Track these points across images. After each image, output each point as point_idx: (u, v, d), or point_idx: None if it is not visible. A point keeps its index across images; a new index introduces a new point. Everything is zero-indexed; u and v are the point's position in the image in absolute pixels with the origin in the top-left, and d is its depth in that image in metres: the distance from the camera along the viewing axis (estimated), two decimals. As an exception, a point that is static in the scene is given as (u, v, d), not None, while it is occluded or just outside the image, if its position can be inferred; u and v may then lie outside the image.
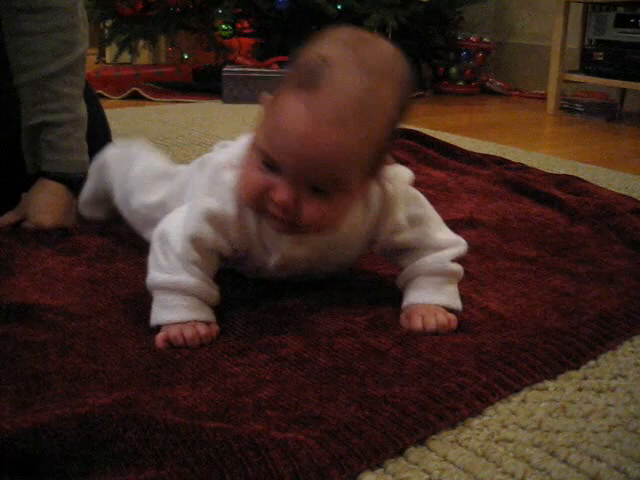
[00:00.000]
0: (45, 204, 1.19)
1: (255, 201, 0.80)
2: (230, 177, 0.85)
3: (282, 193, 0.77)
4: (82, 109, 1.23)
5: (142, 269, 0.89)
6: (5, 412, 0.67)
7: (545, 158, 1.91)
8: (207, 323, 0.83)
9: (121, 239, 1.13)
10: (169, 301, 0.82)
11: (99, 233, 1.16)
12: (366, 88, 0.75)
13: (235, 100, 2.74)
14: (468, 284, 0.98)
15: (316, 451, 0.62)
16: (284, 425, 0.67)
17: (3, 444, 0.59)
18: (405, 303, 0.90)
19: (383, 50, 0.80)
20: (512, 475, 0.63)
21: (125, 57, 3.17)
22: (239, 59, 2.86)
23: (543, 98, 2.93)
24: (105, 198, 1.15)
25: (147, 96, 2.83)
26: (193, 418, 0.66)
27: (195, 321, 0.82)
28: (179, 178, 1.02)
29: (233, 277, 0.96)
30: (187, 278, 0.82)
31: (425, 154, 1.78)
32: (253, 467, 0.60)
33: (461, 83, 3.27)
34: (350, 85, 0.75)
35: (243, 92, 2.75)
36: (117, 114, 2.44)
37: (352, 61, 0.76)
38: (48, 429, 0.61)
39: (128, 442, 0.62)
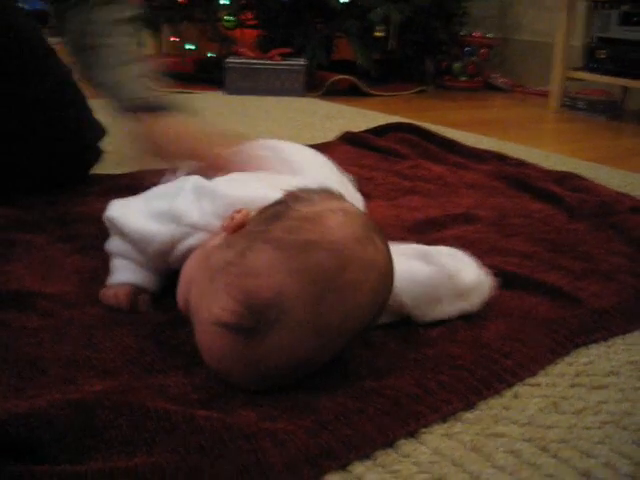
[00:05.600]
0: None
1: None
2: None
3: None
4: None
5: (138, 258, 0.89)
6: (-2, 397, 0.67)
7: (546, 155, 1.91)
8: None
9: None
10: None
11: (97, 220, 1.16)
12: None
13: (237, 91, 2.74)
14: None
15: (306, 441, 0.62)
16: (275, 413, 0.67)
17: (-5, 429, 0.60)
18: None
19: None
20: (502, 469, 0.63)
21: (128, 46, 3.16)
22: (242, 50, 2.85)
23: (546, 95, 2.93)
24: None
25: (149, 86, 2.82)
26: (185, 405, 0.67)
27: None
28: None
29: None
30: None
31: (425, 148, 1.77)
32: (244, 456, 0.60)
33: (464, 78, 3.26)
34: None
35: (245, 83, 2.75)
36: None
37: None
38: (41, 415, 0.61)
39: (119, 429, 0.62)
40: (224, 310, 0.68)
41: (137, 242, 0.86)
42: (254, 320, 0.67)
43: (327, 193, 0.77)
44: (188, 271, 0.77)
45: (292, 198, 0.75)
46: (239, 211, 0.77)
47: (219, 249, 0.75)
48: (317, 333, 0.68)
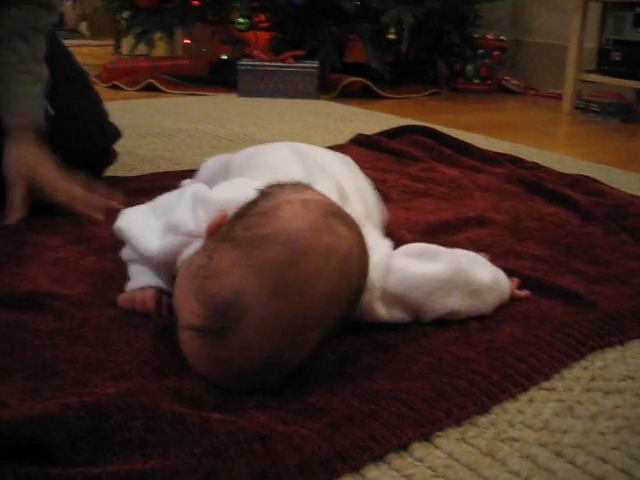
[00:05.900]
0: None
1: None
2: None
3: None
4: None
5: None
6: (13, 399, 0.67)
7: (560, 158, 1.90)
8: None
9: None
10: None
11: (111, 223, 1.16)
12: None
13: (250, 94, 2.74)
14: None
15: (320, 444, 0.62)
16: (287, 416, 0.67)
17: (11, 431, 0.60)
18: None
19: None
20: (517, 474, 0.63)
21: (142, 49, 3.17)
22: (255, 53, 2.86)
23: (559, 97, 2.91)
24: None
25: (162, 88, 2.83)
26: (199, 408, 0.67)
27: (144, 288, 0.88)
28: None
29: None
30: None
31: (439, 151, 1.77)
32: (258, 458, 0.60)
33: (477, 81, 3.25)
34: None
35: (258, 86, 2.76)
36: (132, 105, 2.44)
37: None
38: (55, 417, 0.61)
39: (134, 431, 0.62)
40: (192, 314, 0.69)
41: (143, 255, 0.87)
42: (218, 321, 0.67)
43: (292, 185, 0.77)
44: (178, 277, 0.78)
45: (259, 194, 0.75)
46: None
47: (197, 254, 0.75)
48: (281, 327, 0.67)
